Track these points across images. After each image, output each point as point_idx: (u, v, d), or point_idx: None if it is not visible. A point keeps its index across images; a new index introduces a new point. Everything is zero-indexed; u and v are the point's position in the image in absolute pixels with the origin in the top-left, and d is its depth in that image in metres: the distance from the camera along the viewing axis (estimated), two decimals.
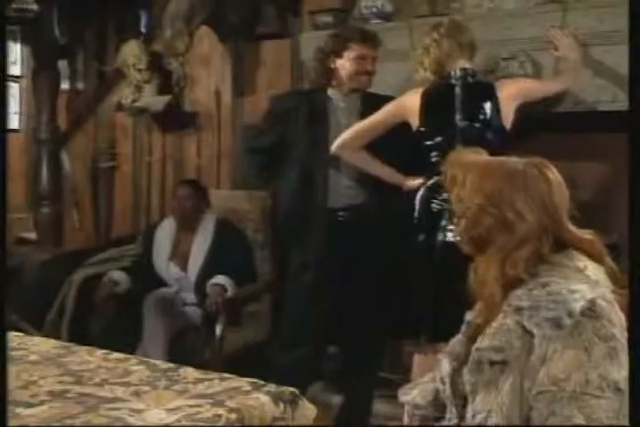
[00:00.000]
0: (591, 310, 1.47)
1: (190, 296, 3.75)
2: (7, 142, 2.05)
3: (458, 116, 2.86)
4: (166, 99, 4.59)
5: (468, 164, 1.64)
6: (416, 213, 2.89)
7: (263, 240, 4.04)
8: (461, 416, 1.61)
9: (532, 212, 1.55)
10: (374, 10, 3.68)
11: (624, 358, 1.48)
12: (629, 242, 1.55)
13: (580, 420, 1.42)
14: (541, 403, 1.45)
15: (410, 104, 2.96)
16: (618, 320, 1.50)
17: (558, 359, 1.46)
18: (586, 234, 1.61)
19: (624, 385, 1.46)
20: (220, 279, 3.61)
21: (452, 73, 2.90)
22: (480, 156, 1.68)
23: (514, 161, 1.62)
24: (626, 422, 1.44)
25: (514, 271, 1.54)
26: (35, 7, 3.90)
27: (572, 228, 1.60)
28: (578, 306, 1.46)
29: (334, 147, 3.09)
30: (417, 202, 2.90)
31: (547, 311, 1.48)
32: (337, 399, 3.49)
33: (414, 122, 2.95)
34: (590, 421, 1.41)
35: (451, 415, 1.66)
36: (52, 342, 2.51)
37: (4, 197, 1.90)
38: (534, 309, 1.50)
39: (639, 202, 1.56)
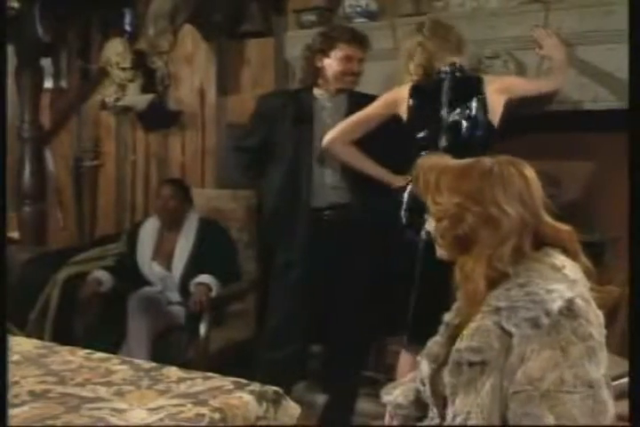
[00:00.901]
0: (569, 310, 1.48)
1: (175, 295, 3.74)
2: (6, 142, 2.03)
3: (444, 111, 2.86)
4: (150, 97, 4.57)
5: (439, 168, 1.65)
6: (403, 211, 2.89)
7: (248, 239, 4.03)
8: (443, 417, 1.62)
9: (513, 207, 1.56)
10: (358, 9, 3.69)
11: (602, 356, 1.49)
12: (629, 241, 1.57)
13: (549, 420, 1.42)
14: (515, 403, 1.46)
15: (401, 97, 2.96)
16: (595, 319, 1.51)
17: (535, 359, 1.46)
18: (563, 226, 1.62)
19: (603, 383, 1.47)
20: (204, 278, 3.60)
21: (442, 68, 2.90)
22: (449, 160, 1.70)
23: (487, 160, 1.64)
24: (602, 419, 1.45)
25: (501, 266, 1.55)
26: (16, 5, 3.88)
27: (550, 220, 1.62)
28: (556, 306, 1.47)
29: (325, 141, 3.07)
30: (404, 199, 2.89)
31: (525, 311, 1.49)
32: (321, 398, 3.49)
33: (404, 115, 2.95)
34: (560, 419, 1.42)
35: (433, 415, 1.67)
36: (34, 341, 2.50)
37: (4, 196, 1.89)
38: (512, 309, 1.51)
39: (639, 200, 1.57)
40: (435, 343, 1.71)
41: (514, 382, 1.47)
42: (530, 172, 1.62)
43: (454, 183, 1.60)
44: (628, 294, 1.58)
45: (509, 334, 1.50)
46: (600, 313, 1.54)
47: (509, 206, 1.56)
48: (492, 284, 1.56)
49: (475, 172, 1.60)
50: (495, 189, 1.57)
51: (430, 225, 1.68)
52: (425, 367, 1.68)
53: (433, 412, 1.66)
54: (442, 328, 1.72)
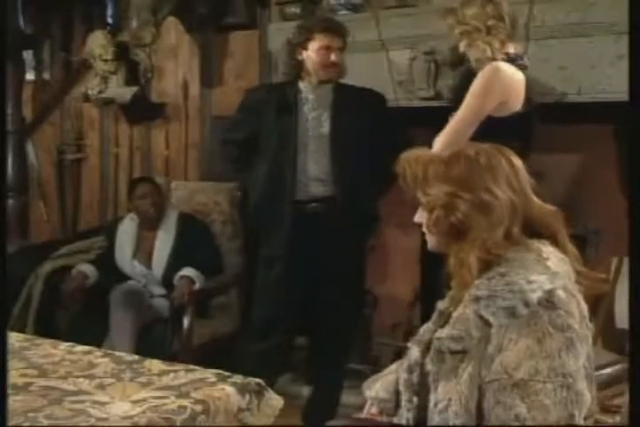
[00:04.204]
0: (548, 301, 1.49)
1: (158, 289, 3.74)
2: (6, 141, 2.02)
3: None
4: (133, 90, 4.54)
5: (425, 159, 1.66)
6: None
7: (231, 232, 4.03)
8: (423, 406, 1.62)
9: (503, 191, 1.58)
10: (342, 1, 3.68)
11: (582, 348, 1.49)
12: (629, 240, 1.58)
13: (521, 408, 1.43)
14: (490, 391, 1.48)
15: None
16: (578, 311, 1.52)
17: (512, 349, 1.48)
18: (549, 207, 1.64)
19: (581, 375, 1.48)
20: (187, 271, 3.60)
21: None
22: (432, 151, 1.71)
23: (472, 148, 1.65)
24: (577, 410, 1.46)
25: (496, 249, 1.56)
26: None
27: (538, 202, 1.64)
28: (534, 296, 1.48)
29: None
30: None
31: (502, 301, 1.50)
32: (306, 391, 3.50)
33: None
34: (532, 409, 1.43)
35: (409, 406, 1.67)
36: (16, 334, 2.48)
37: (4, 195, 1.88)
38: (491, 298, 1.52)
39: (638, 199, 1.58)
40: (427, 330, 1.71)
41: (490, 371, 1.49)
42: (515, 158, 1.64)
43: (443, 173, 1.61)
44: (629, 292, 1.59)
45: (488, 324, 1.51)
46: (585, 305, 1.55)
47: (499, 191, 1.57)
48: (482, 270, 1.57)
49: (462, 160, 1.62)
50: (484, 175, 1.59)
51: (421, 216, 1.68)
52: (415, 354, 1.68)
53: (410, 403, 1.67)
54: (435, 316, 1.73)
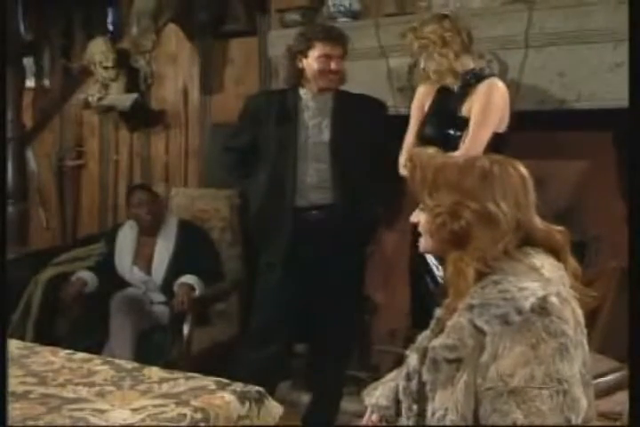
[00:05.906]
0: (541, 308, 1.48)
1: (158, 296, 3.73)
2: (6, 148, 2.03)
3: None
4: (133, 97, 4.56)
5: (437, 164, 1.64)
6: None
7: (231, 239, 4.03)
8: (422, 414, 1.62)
9: (509, 206, 1.57)
10: (342, 8, 3.68)
11: (577, 353, 1.49)
12: (629, 243, 1.57)
13: (518, 415, 1.43)
14: (486, 399, 1.48)
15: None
16: (572, 317, 1.52)
17: (507, 356, 1.48)
18: (555, 227, 1.63)
19: (577, 380, 1.48)
20: (187, 279, 3.60)
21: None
22: (444, 155, 1.69)
23: (486, 159, 1.63)
24: (574, 416, 1.46)
25: (493, 263, 1.56)
26: None
27: (540, 223, 1.62)
28: (527, 303, 1.48)
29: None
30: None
31: (495, 308, 1.50)
32: (306, 398, 3.49)
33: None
34: (528, 415, 1.43)
35: (409, 414, 1.67)
36: (16, 342, 2.48)
37: (4, 202, 1.88)
38: (485, 306, 1.52)
39: (638, 203, 1.57)
40: (425, 338, 1.71)
41: (486, 379, 1.48)
42: (527, 173, 1.63)
43: (454, 181, 1.60)
44: (629, 293, 1.59)
45: (483, 332, 1.51)
46: (580, 311, 1.55)
47: (507, 206, 1.57)
48: (477, 279, 1.57)
49: (475, 170, 1.60)
50: (495, 188, 1.58)
51: (417, 216, 1.67)
52: (414, 361, 1.68)
53: (410, 411, 1.67)
54: (433, 323, 1.73)
